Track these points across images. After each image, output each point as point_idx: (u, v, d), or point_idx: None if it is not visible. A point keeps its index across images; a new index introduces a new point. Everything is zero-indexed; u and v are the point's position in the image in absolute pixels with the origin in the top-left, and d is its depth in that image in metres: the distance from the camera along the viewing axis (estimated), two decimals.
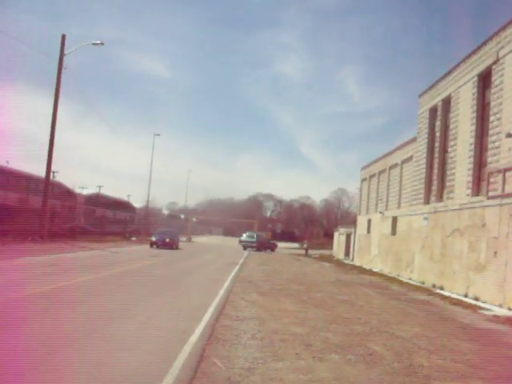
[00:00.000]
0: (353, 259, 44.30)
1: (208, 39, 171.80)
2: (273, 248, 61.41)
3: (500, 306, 16.98)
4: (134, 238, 56.19)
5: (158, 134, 74.20)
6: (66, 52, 36.62)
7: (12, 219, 35.66)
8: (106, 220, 61.48)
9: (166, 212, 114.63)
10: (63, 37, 36.71)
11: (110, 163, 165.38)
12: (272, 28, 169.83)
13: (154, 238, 43.33)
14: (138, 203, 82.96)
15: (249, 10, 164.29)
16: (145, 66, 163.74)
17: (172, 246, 43.18)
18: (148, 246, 42.45)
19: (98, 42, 37.41)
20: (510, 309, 16.35)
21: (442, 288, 22.09)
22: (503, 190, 17.86)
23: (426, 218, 25.55)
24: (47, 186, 36.42)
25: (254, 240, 59.32)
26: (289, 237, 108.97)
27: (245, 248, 57.61)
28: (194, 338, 8.97)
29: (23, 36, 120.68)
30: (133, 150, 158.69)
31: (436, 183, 25.28)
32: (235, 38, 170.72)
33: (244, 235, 61.70)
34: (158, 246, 41.95)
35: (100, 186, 69.23)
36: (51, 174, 39.59)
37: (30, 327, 8.86)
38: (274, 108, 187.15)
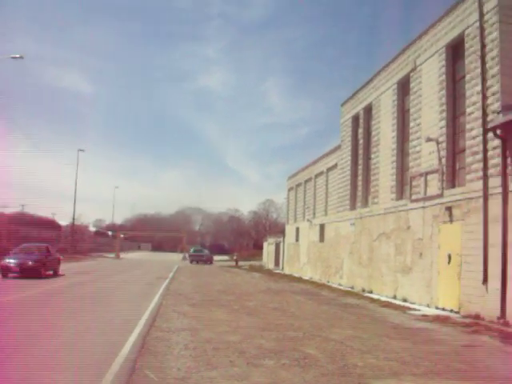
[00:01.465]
0: (283, 268, 44.53)
1: (131, 54, 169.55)
2: (211, 260, 64.52)
3: (428, 305, 17.43)
4: (61, 257, 54.40)
5: (83, 150, 72.16)
6: None
7: None
8: (31, 239, 59.25)
9: (93, 229, 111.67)
10: None
11: (34, 181, 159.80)
12: (195, 41, 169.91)
13: (9, 261, 24.83)
14: (63, 221, 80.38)
15: (172, 23, 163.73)
16: (67, 81, 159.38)
17: (40, 272, 24.96)
18: (76, 264, 41.14)
19: (18, 55, 36.06)
20: (437, 307, 16.80)
21: (371, 291, 22.48)
22: (425, 192, 18.42)
23: (352, 224, 26.00)
24: None
25: (204, 254, 66.15)
26: (219, 249, 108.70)
27: (192, 262, 62.33)
28: (125, 350, 8.68)
29: None
30: (57, 167, 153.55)
31: (361, 189, 25.79)
32: (158, 52, 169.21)
33: (192, 250, 68.15)
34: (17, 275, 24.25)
35: (23, 205, 66.67)
36: None
37: None
38: (200, 122, 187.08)
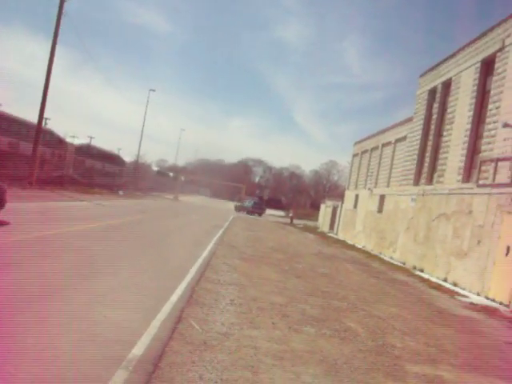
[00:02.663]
0: (337, 233, 44.55)
1: None
2: (260, 213, 67.14)
3: (478, 294, 17.20)
4: (121, 192, 56.07)
5: (154, 90, 73.77)
6: None
7: (1, 163, 35.46)
8: (95, 171, 61.22)
9: (155, 168, 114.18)
10: None
11: (103, 114, 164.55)
12: None
13: None
14: (128, 157, 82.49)
15: None
16: (144, 18, 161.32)
17: None
18: (135, 201, 42.29)
19: None
20: (487, 297, 16.56)
21: (422, 270, 22.32)
22: (494, 179, 17.92)
23: (413, 199, 25.65)
24: (38, 133, 36.06)
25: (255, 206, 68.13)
26: (275, 204, 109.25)
27: (246, 213, 65.61)
28: (173, 298, 9.03)
29: None
30: (127, 103, 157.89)
31: (427, 166, 25.29)
32: None
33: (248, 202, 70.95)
34: None
35: (91, 137, 68.69)
36: (43, 120, 39.18)
37: (13, 274, 8.85)
38: (271, 73, 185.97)
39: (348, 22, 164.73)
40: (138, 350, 6.05)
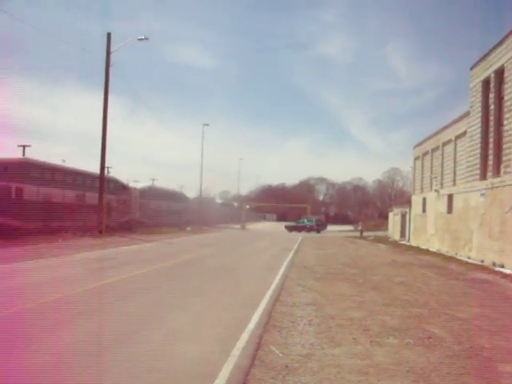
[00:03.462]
0: (409, 240, 43.64)
1: (248, 25, 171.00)
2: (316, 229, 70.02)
3: None
4: (189, 229, 56.88)
5: (207, 124, 74.81)
6: (112, 49, 37.18)
7: (71, 216, 36.85)
8: (160, 212, 62.51)
9: (219, 201, 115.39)
10: (109, 35, 37.26)
11: (162, 155, 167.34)
12: (312, 8, 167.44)
13: None
14: (191, 193, 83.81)
15: None
16: (188, 56, 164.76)
17: None
18: (203, 236, 42.89)
19: (143, 37, 37.73)
20: None
21: (502, 266, 21.51)
22: None
23: (483, 194, 24.89)
24: (102, 182, 37.26)
25: (305, 224, 71.08)
26: (343, 219, 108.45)
27: (291, 231, 68.28)
28: (251, 325, 9.05)
29: (64, 35, 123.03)
30: (182, 141, 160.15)
31: (492, 158, 24.53)
32: (276, 22, 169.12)
33: (305, 220, 73.73)
34: None
35: (153, 179, 70.22)
36: (105, 169, 40.45)
37: (92, 320, 9.13)
38: (320, 90, 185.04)
39: (388, 28, 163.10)
40: (220, 380, 6.06)
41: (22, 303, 10.28)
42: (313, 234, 61.89)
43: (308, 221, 72.65)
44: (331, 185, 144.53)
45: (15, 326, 8.66)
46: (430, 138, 38.53)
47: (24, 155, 37.03)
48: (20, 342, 7.56)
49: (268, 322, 9.39)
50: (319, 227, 71.10)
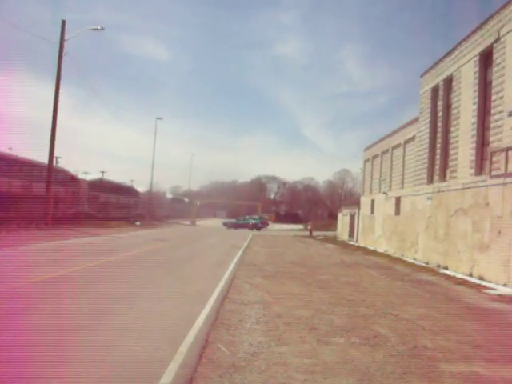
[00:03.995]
0: (357, 240, 44.30)
1: (207, 21, 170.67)
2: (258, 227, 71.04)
3: (504, 285, 16.96)
4: (138, 223, 56.30)
5: (160, 118, 74.46)
6: (66, 38, 36.40)
7: (16, 206, 35.97)
8: (110, 205, 61.67)
9: (170, 196, 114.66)
10: (63, 23, 36.53)
11: (113, 148, 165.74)
12: (271, 8, 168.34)
13: None
14: (141, 187, 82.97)
15: None
16: (144, 49, 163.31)
17: None
18: (152, 231, 42.49)
19: (98, 27, 37.13)
20: None
21: (446, 268, 22.08)
22: (506, 169, 17.76)
23: (429, 198, 25.48)
24: (50, 172, 36.44)
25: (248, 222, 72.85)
26: (293, 218, 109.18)
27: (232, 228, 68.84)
28: (198, 322, 9.03)
29: (20, 22, 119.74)
30: (135, 134, 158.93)
31: (439, 163, 25.16)
32: (234, 20, 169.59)
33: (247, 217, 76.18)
34: None
35: (103, 172, 69.22)
36: (54, 159, 39.61)
37: (36, 314, 8.91)
38: (275, 90, 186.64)
39: (343, 32, 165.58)
40: (166, 379, 6.02)
41: None
42: (261, 232, 62.20)
43: (250, 218, 73.91)
44: (282, 184, 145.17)
45: None
46: (380, 141, 39.22)
47: None
48: None
49: (216, 319, 9.37)
50: (263, 225, 72.45)
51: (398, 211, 31.62)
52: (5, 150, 39.73)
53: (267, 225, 75.62)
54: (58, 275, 13.67)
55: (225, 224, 72.93)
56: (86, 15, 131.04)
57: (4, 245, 21.55)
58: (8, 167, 38.08)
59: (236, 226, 69.76)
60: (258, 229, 69.05)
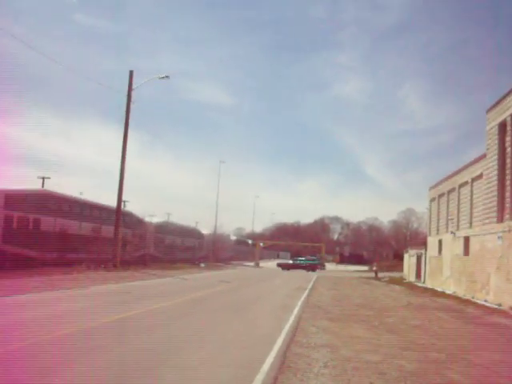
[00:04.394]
0: (424, 281, 43.15)
1: (267, 65, 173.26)
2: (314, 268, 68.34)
3: None
4: (202, 265, 56.81)
5: (223, 161, 75.55)
6: (133, 87, 37.86)
7: (86, 248, 37.04)
8: (175, 247, 62.53)
9: (233, 238, 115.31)
10: (131, 72, 38.07)
11: (177, 190, 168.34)
12: (330, 50, 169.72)
13: None
14: (205, 230, 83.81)
15: (306, 33, 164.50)
16: (206, 93, 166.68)
17: None
18: (217, 272, 42.77)
19: (164, 75, 38.44)
20: None
21: None
22: None
23: (500, 237, 24.67)
24: (118, 216, 37.47)
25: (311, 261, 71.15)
26: (357, 259, 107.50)
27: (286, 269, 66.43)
28: (265, 366, 8.94)
29: (90, 72, 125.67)
30: (199, 177, 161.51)
31: (510, 200, 24.40)
32: (294, 62, 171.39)
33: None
34: None
35: (169, 214, 70.52)
36: (122, 203, 40.75)
37: (107, 354, 9.08)
38: (337, 130, 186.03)
39: (403, 69, 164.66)
40: None
41: (39, 335, 10.26)
42: (326, 273, 61.34)
43: (307, 260, 72.35)
44: (346, 224, 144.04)
45: (30, 358, 8.64)
46: (445, 179, 38.45)
47: (43, 187, 37.48)
48: (34, 374, 7.53)
49: (283, 363, 9.28)
50: (319, 266, 71.22)
51: (466, 251, 30.72)
52: (76, 194, 41.24)
53: (324, 266, 74.67)
54: (126, 316, 13.93)
55: (279, 265, 70.92)
56: (150, 63, 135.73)
57: (76, 285, 22.16)
58: (79, 211, 39.51)
59: (291, 267, 67.17)
60: (314, 270, 66.69)
